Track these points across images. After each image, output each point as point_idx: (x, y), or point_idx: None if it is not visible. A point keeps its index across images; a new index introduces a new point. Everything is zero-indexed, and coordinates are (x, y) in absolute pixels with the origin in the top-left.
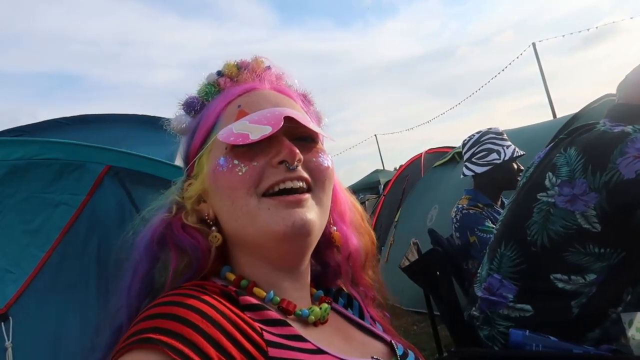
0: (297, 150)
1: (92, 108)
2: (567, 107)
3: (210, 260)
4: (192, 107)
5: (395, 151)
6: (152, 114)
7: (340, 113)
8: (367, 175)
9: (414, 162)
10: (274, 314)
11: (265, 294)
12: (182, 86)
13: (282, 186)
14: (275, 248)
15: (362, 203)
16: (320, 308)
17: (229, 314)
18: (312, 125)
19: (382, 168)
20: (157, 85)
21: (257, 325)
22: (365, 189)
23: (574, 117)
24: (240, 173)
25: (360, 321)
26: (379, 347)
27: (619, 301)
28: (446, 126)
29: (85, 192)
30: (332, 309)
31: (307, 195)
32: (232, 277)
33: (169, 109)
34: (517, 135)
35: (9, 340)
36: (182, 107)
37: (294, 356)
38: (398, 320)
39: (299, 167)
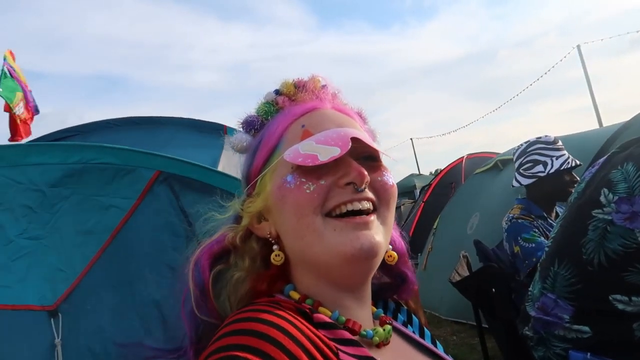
0: (366, 172)
1: (135, 109)
2: (613, 112)
3: (270, 278)
4: (252, 126)
5: (432, 155)
6: (192, 114)
7: (376, 116)
8: (403, 180)
9: (455, 168)
10: (347, 334)
11: (330, 313)
12: (221, 88)
13: (349, 207)
14: (340, 268)
15: (397, 208)
16: (384, 329)
17: (306, 331)
18: (377, 146)
19: (417, 172)
20: (196, 87)
21: (332, 344)
22: (400, 193)
23: (624, 126)
24: (308, 191)
25: (422, 341)
26: None
27: None
28: (485, 130)
29: (136, 196)
30: (393, 328)
31: (373, 217)
32: (296, 295)
33: (209, 111)
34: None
35: (58, 337)
36: (241, 125)
37: None
38: (437, 330)
39: (366, 188)
